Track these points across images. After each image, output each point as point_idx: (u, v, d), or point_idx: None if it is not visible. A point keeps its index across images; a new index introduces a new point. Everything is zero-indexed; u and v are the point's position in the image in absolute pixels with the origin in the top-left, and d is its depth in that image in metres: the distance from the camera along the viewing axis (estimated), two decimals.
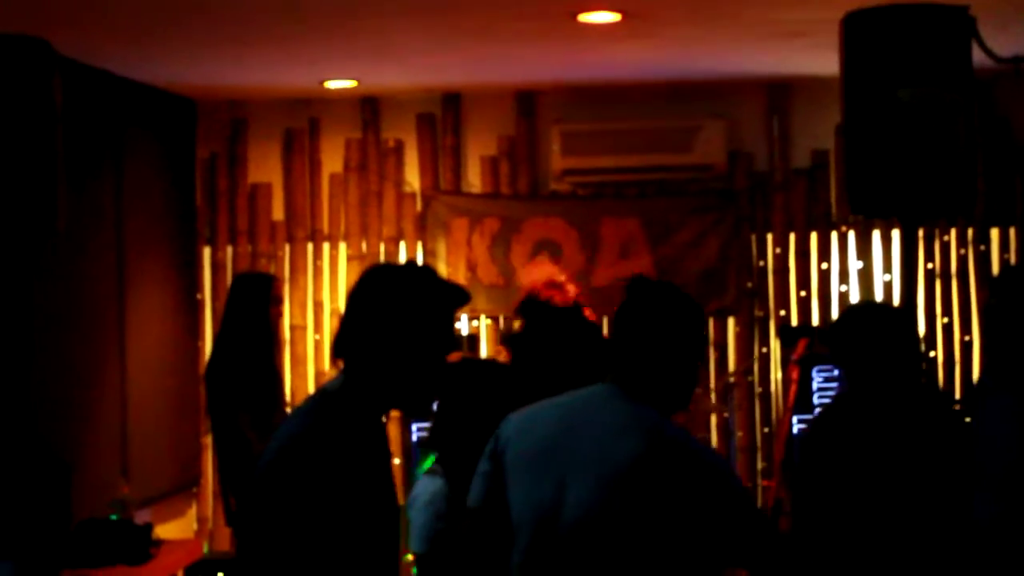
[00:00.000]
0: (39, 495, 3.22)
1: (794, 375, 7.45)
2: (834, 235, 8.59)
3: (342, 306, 8.77)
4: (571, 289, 6.68)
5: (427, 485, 4.44)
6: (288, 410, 7.33)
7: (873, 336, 4.51)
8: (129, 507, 6.56)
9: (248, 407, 6.83)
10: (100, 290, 7.44)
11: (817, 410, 7.60)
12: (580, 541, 3.50)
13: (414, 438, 7.98)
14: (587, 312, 6.68)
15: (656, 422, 3.55)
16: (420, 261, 8.57)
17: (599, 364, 4.27)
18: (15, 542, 3.12)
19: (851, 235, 8.55)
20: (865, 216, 6.94)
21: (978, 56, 4.72)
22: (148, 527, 6.36)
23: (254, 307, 7.10)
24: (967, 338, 8.46)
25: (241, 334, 7.06)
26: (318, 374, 8.85)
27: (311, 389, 8.81)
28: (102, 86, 7.48)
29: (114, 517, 6.35)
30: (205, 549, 7.24)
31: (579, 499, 3.52)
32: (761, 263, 8.65)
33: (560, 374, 4.46)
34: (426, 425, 7.90)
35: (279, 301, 7.30)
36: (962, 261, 8.47)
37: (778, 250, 8.63)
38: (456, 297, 3.44)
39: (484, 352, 8.62)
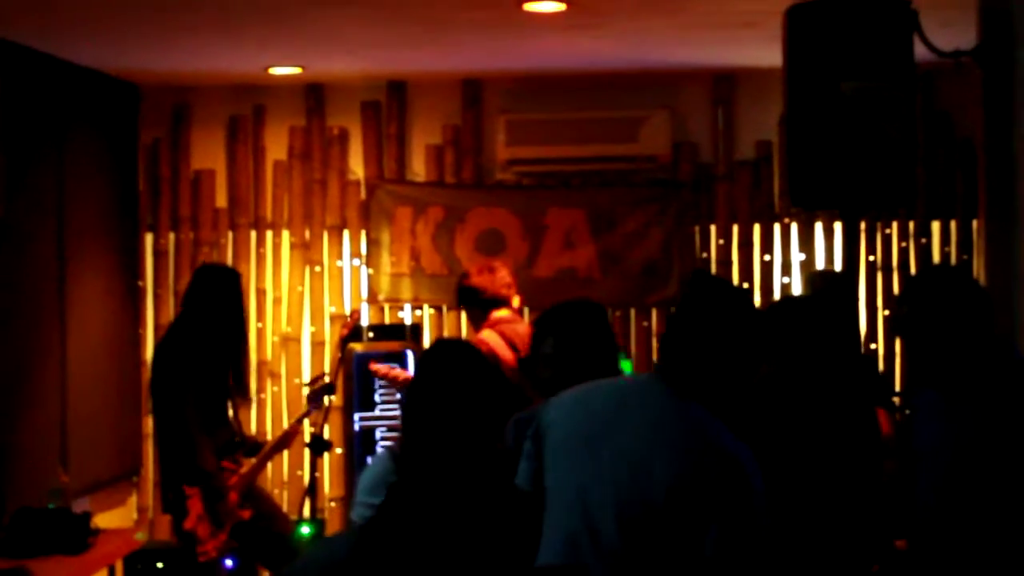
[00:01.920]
0: None
1: None
2: (777, 227, 8.62)
3: (284, 294, 8.76)
4: (503, 275, 6.70)
5: (380, 463, 4.44)
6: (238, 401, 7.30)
7: (791, 328, 4.54)
8: (67, 496, 6.51)
9: (197, 402, 6.76)
10: (40, 276, 7.38)
11: None
12: (613, 530, 3.51)
13: (356, 427, 7.96)
14: (518, 300, 6.70)
15: (698, 419, 3.55)
16: (364, 250, 8.61)
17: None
18: None
19: (794, 227, 8.58)
20: (805, 208, 6.97)
21: (920, 51, 4.75)
22: (86, 516, 6.31)
23: (224, 299, 6.99)
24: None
25: (200, 324, 6.94)
26: (260, 362, 8.81)
27: (254, 377, 8.77)
28: (43, 69, 7.42)
29: (52, 506, 6.30)
30: (139, 536, 7.17)
31: (615, 489, 3.53)
32: (704, 254, 8.67)
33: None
34: (368, 415, 7.91)
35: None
36: (903, 254, 8.52)
37: (721, 241, 8.65)
38: None
39: (427, 342, 8.61)
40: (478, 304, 6.66)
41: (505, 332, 6.52)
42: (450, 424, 3.79)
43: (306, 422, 7.85)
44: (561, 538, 3.61)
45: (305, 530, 7.29)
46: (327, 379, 7.26)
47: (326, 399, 7.19)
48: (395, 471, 4.24)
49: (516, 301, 6.70)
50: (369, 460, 7.57)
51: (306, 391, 7.43)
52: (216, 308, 6.95)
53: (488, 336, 6.54)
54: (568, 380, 4.23)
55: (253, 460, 7.16)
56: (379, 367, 7.19)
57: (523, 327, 6.64)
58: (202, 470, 6.68)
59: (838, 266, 8.43)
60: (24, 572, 3.30)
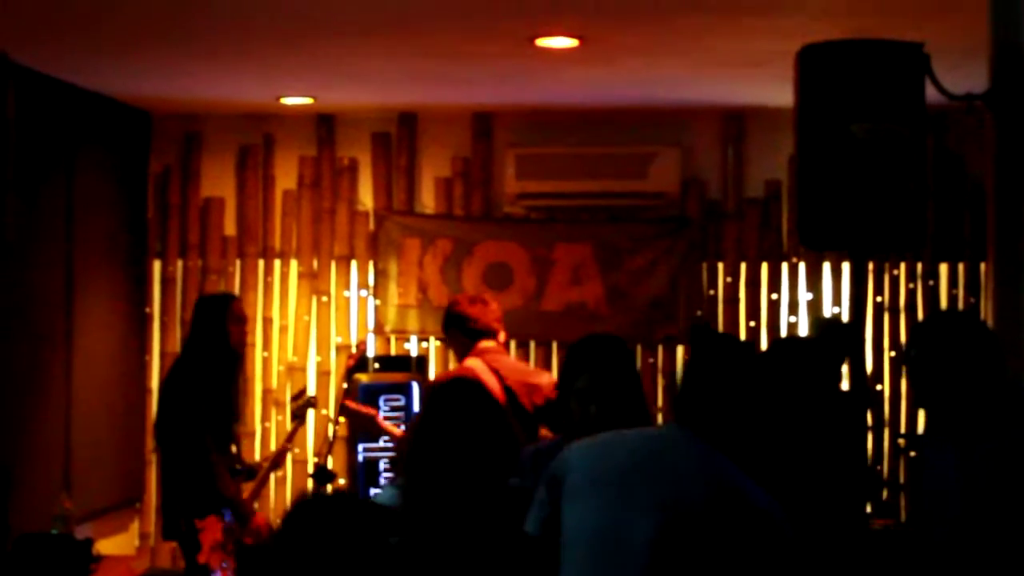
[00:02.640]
0: None
1: None
2: (785, 266, 8.61)
3: (291, 323, 8.75)
4: (494, 308, 6.69)
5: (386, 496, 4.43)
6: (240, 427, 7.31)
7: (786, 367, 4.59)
8: (70, 522, 6.49)
9: (210, 428, 6.77)
10: (48, 301, 7.38)
11: None
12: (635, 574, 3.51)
13: (360, 458, 7.96)
14: (503, 336, 6.65)
15: (724, 469, 3.54)
16: (371, 281, 8.62)
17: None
18: None
19: (802, 267, 8.58)
20: (814, 249, 6.97)
21: (931, 93, 4.75)
22: (88, 542, 6.27)
23: (212, 327, 6.97)
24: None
25: (200, 354, 6.95)
26: (265, 391, 8.81)
27: (258, 406, 8.78)
28: (56, 95, 7.44)
29: (55, 532, 6.28)
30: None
31: (641, 536, 3.51)
32: (711, 292, 8.67)
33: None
34: (372, 445, 7.89)
35: (241, 320, 7.13)
36: (911, 295, 8.51)
37: (729, 279, 8.65)
38: None
39: (433, 374, 8.60)
40: (467, 333, 6.62)
41: (491, 362, 6.50)
42: (461, 462, 3.79)
43: (309, 448, 7.86)
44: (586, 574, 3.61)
45: None
46: (308, 395, 7.28)
47: (310, 412, 7.21)
48: (401, 504, 4.23)
49: (502, 336, 6.68)
50: (372, 492, 7.58)
51: (290, 408, 7.45)
52: (212, 336, 6.95)
53: (474, 364, 6.53)
54: (603, 416, 4.26)
55: (252, 484, 7.14)
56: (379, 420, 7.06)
57: (508, 359, 6.65)
58: (225, 498, 6.67)
59: (845, 306, 8.43)
60: None
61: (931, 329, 4.37)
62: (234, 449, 7.17)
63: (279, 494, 8.61)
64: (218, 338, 6.95)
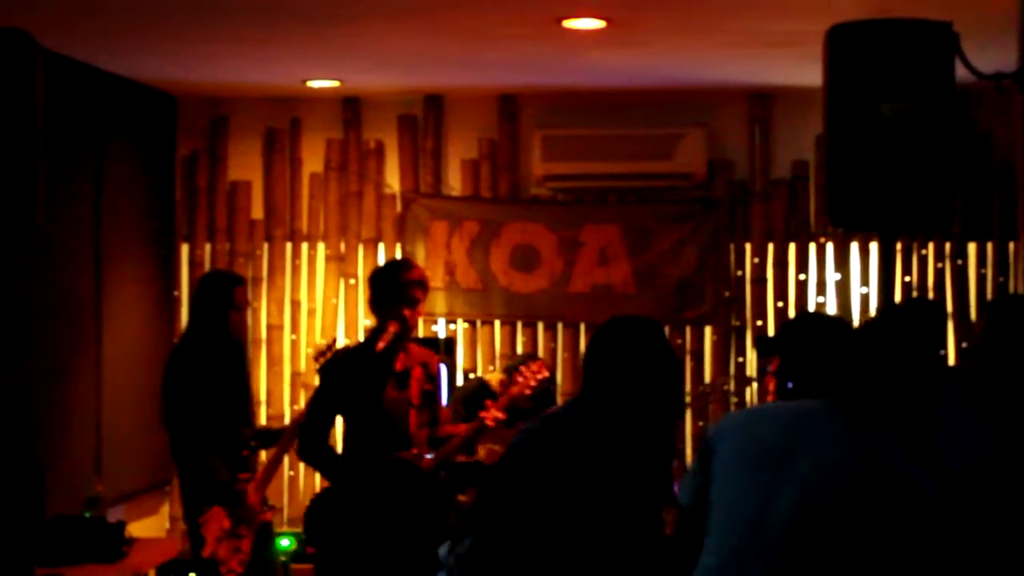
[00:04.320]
0: (12, 495, 3.19)
1: (770, 386, 7.44)
2: (812, 246, 8.60)
3: (319, 306, 8.75)
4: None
5: None
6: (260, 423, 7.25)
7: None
8: (102, 505, 6.53)
9: (209, 414, 6.67)
10: (77, 285, 7.42)
11: None
12: (783, 554, 3.51)
13: None
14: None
15: (878, 445, 3.54)
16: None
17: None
18: None
19: (829, 247, 8.56)
20: (845, 229, 6.96)
21: (960, 71, 4.73)
22: (121, 525, 6.33)
23: (212, 312, 6.80)
24: (942, 352, 8.47)
25: (197, 342, 6.81)
26: (294, 374, 8.84)
27: (287, 388, 8.81)
28: (83, 80, 7.46)
29: (87, 514, 6.32)
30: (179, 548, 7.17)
31: (788, 513, 3.53)
32: (739, 272, 8.66)
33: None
34: None
35: (241, 306, 6.94)
36: (939, 275, 8.48)
37: (756, 260, 8.64)
38: None
39: (460, 356, 8.62)
40: None
41: None
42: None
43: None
44: (728, 550, 3.62)
45: (285, 543, 7.30)
46: (336, 347, 7.11)
47: None
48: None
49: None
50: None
51: (320, 364, 7.26)
52: (210, 322, 6.84)
53: None
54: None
55: (273, 450, 7.05)
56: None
57: None
58: (217, 482, 6.63)
59: (873, 287, 8.40)
60: None
61: (1003, 309, 4.40)
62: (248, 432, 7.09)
63: (308, 475, 8.64)
64: (217, 325, 6.80)
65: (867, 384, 3.65)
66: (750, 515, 3.61)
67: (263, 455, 7.00)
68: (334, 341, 7.32)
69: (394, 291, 6.15)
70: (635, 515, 4.26)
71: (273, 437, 7.03)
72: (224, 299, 6.78)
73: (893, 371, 3.65)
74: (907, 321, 5.81)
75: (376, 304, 6.25)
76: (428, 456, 6.21)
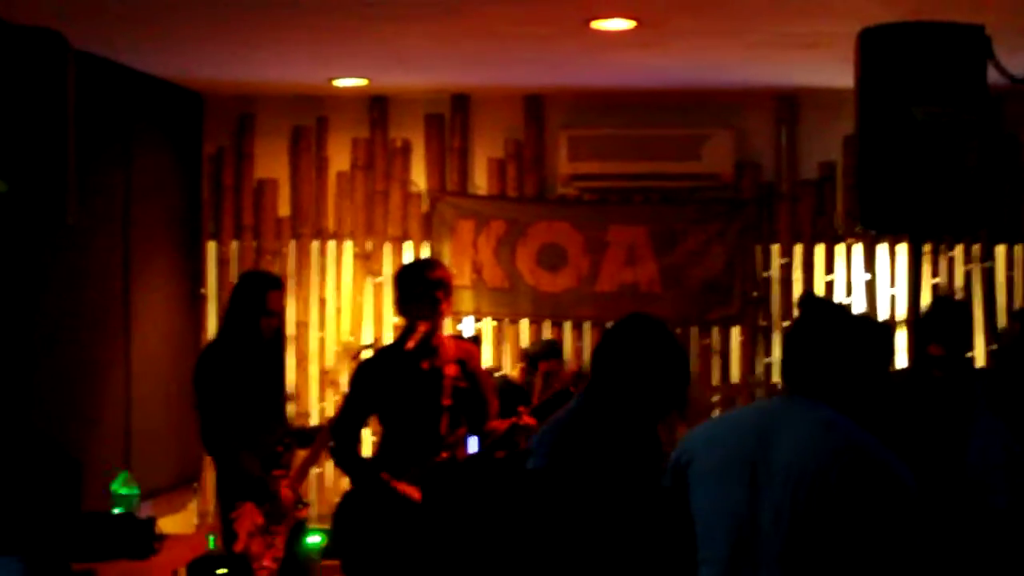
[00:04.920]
0: (50, 492, 3.21)
1: None
2: (840, 247, 8.58)
3: (346, 304, 8.74)
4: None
5: None
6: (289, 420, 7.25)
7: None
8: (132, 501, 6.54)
9: (241, 412, 6.68)
10: (106, 282, 7.43)
11: None
12: (777, 549, 3.52)
13: None
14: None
15: (847, 429, 3.55)
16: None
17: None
18: (26, 538, 3.12)
19: (856, 248, 8.54)
20: (876, 232, 6.94)
21: (990, 74, 4.72)
22: (151, 521, 6.33)
23: (245, 315, 6.77)
24: (969, 354, 8.42)
25: (229, 342, 6.81)
26: (321, 371, 8.85)
27: (315, 385, 8.83)
28: (111, 77, 7.47)
29: (118, 510, 6.33)
30: (211, 544, 7.17)
31: (775, 508, 3.54)
32: (766, 273, 8.65)
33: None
34: None
35: (274, 314, 6.89)
36: (967, 277, 8.46)
37: (783, 261, 8.63)
38: None
39: (488, 353, 8.61)
40: None
41: None
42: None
43: None
44: (722, 560, 3.62)
45: (315, 539, 7.30)
46: (372, 350, 7.12)
47: None
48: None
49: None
50: None
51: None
52: (242, 324, 6.83)
53: None
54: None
55: (307, 451, 7.07)
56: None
57: None
58: (249, 478, 6.63)
59: (901, 289, 8.38)
60: None
61: None
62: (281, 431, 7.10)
63: (339, 472, 8.65)
64: (248, 328, 6.81)
65: (822, 370, 3.65)
66: (737, 522, 3.62)
67: (299, 454, 7.02)
68: (376, 342, 7.35)
69: (418, 290, 6.13)
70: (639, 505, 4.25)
71: (309, 436, 7.05)
72: (257, 303, 6.76)
73: (844, 357, 3.65)
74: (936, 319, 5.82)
75: (401, 303, 6.24)
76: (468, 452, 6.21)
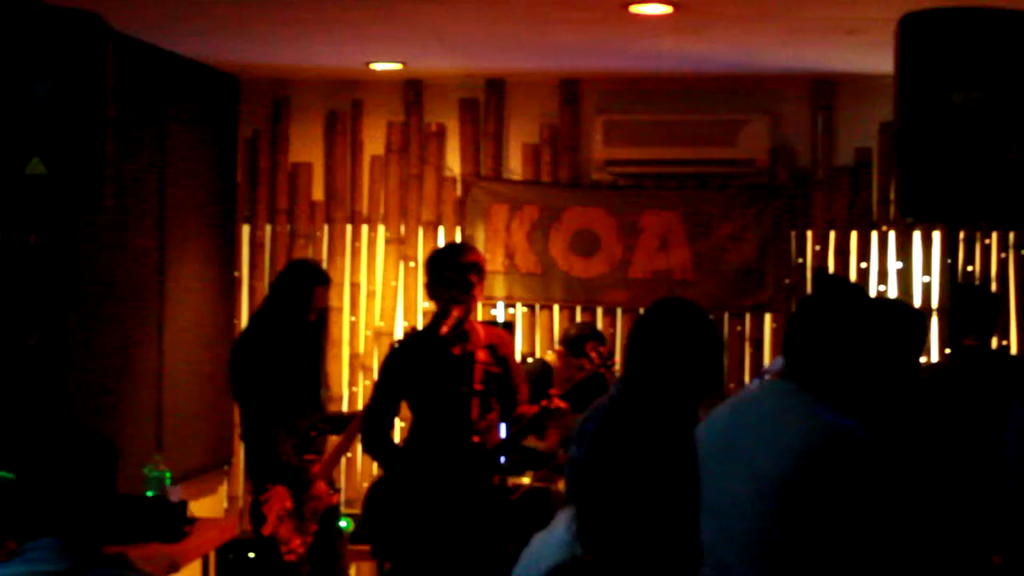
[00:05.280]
0: (86, 474, 3.22)
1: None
2: (874, 234, 8.54)
3: (378, 289, 8.74)
4: None
5: None
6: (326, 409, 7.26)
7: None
8: (163, 483, 6.56)
9: (279, 396, 6.69)
10: (141, 266, 7.45)
11: None
12: (742, 538, 3.52)
13: None
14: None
15: (823, 418, 3.50)
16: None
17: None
18: (64, 519, 3.14)
19: (891, 235, 8.50)
20: (915, 219, 6.92)
21: None
22: (183, 504, 6.36)
23: (293, 306, 6.74)
24: (1004, 342, 8.40)
25: (271, 326, 6.79)
26: (352, 356, 8.86)
27: (346, 370, 8.83)
28: (147, 59, 7.47)
29: (150, 494, 6.36)
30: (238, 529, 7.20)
31: (735, 495, 3.55)
32: (800, 260, 8.61)
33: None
34: None
35: (321, 310, 6.94)
36: (1002, 265, 8.41)
37: (818, 247, 8.59)
38: None
39: (519, 341, 8.61)
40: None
41: None
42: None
43: None
44: (707, 548, 3.63)
45: (342, 524, 7.32)
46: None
47: None
48: None
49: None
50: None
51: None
52: (289, 314, 6.81)
53: None
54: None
55: (340, 436, 7.08)
56: None
57: None
58: (285, 464, 6.64)
59: (936, 276, 8.34)
60: (123, 559, 3.35)
61: None
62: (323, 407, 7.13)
63: (366, 457, 8.66)
64: (290, 320, 6.79)
65: (809, 355, 3.62)
66: (716, 508, 3.64)
67: (331, 439, 7.03)
68: (413, 330, 7.36)
69: (452, 274, 6.11)
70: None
71: (342, 422, 7.06)
72: (302, 299, 6.73)
73: (840, 340, 3.60)
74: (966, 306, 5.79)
75: (432, 288, 6.22)
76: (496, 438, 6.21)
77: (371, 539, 6.53)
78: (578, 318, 8.70)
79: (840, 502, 3.38)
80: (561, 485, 7.03)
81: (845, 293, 3.72)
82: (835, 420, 3.46)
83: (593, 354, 6.37)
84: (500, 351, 6.24)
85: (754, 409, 3.70)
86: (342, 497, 8.49)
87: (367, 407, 6.49)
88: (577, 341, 7.80)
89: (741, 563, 3.53)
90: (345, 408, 8.75)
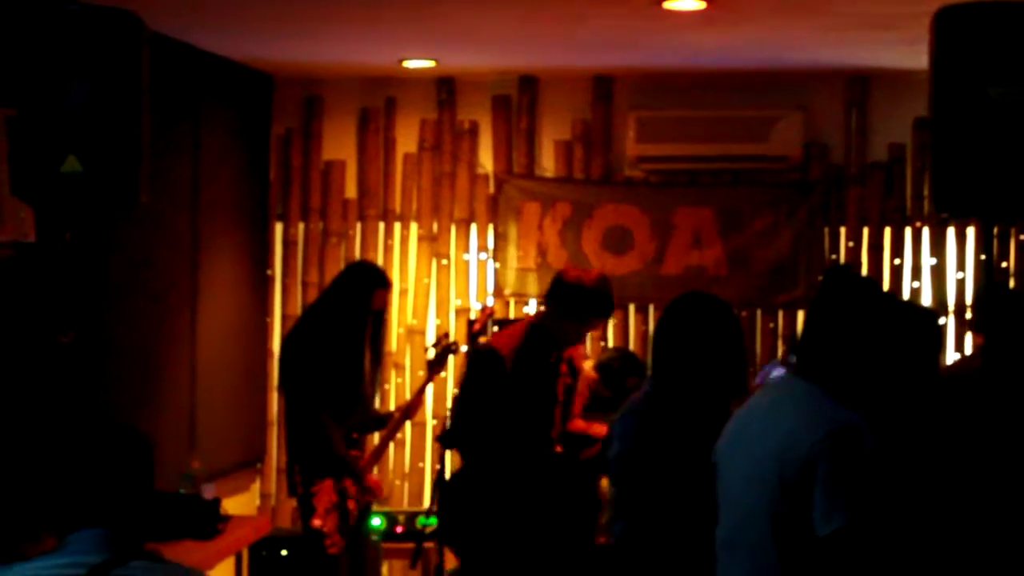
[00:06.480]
0: (126, 468, 3.25)
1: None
2: (908, 231, 8.51)
3: (411, 286, 8.76)
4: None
5: None
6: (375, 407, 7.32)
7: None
8: (197, 481, 6.59)
9: (332, 390, 6.78)
10: (174, 263, 7.48)
11: None
12: (760, 533, 3.52)
13: None
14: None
15: (826, 411, 3.50)
16: (491, 244, 8.62)
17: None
18: (104, 511, 3.17)
19: (925, 231, 8.47)
20: (951, 215, 6.88)
21: None
22: (216, 502, 6.38)
23: (354, 306, 6.93)
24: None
25: (328, 321, 6.94)
26: (386, 353, 8.85)
27: None
28: (181, 58, 7.50)
29: (183, 491, 6.38)
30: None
31: (741, 482, 3.58)
32: (833, 256, 8.58)
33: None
34: None
35: (379, 310, 7.08)
36: None
37: (851, 244, 8.57)
38: None
39: None
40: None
41: None
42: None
43: (428, 411, 7.87)
44: (720, 545, 3.66)
45: (376, 521, 7.34)
46: (449, 340, 7.28)
47: (450, 358, 7.23)
48: None
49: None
50: None
51: (431, 354, 7.35)
52: (348, 312, 6.90)
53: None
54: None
55: (381, 434, 7.16)
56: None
57: None
58: (338, 457, 6.73)
59: (970, 272, 8.30)
60: (156, 556, 3.36)
61: None
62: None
63: (398, 455, 8.68)
64: (348, 320, 6.89)
65: (819, 351, 3.62)
66: (726, 504, 3.69)
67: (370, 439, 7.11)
68: (446, 335, 7.43)
69: (595, 320, 6.34)
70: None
71: (381, 421, 7.13)
72: (362, 301, 6.87)
73: (850, 337, 3.60)
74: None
75: (567, 313, 6.22)
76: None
77: (450, 536, 6.54)
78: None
79: (837, 493, 3.38)
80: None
81: (853, 291, 3.71)
82: (837, 412, 3.47)
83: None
84: (575, 363, 6.37)
85: (763, 401, 3.73)
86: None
87: (452, 411, 6.55)
88: (620, 374, 7.68)
89: (747, 545, 3.54)
90: (377, 405, 8.76)
